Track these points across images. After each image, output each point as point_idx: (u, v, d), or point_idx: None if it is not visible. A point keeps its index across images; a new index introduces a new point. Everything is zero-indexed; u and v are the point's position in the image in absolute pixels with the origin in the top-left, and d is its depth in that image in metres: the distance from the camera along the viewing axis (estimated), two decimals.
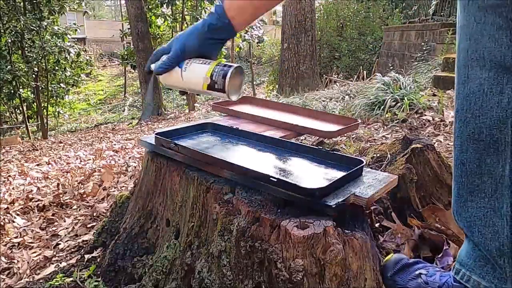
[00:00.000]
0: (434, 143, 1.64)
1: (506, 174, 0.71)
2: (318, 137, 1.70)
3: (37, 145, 7.62)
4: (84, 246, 1.53)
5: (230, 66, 0.87)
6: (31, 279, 1.38)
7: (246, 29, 11.26)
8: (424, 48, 6.21)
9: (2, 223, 1.96)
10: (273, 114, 1.60)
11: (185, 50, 0.89)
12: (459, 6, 0.74)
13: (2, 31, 9.98)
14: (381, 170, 1.20)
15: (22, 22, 9.89)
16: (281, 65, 8.49)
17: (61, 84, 12.50)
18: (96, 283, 1.17)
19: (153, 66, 0.92)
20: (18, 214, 2.12)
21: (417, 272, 0.88)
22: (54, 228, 1.87)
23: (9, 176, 3.62)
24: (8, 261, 1.59)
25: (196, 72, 0.88)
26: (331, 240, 0.75)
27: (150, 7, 11.24)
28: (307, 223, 0.77)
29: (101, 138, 7.64)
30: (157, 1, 10.59)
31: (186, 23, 11.20)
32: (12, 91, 10.59)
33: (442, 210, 1.04)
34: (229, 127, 1.28)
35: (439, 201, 1.13)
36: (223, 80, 0.86)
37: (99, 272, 1.23)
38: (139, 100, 14.52)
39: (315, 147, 1.08)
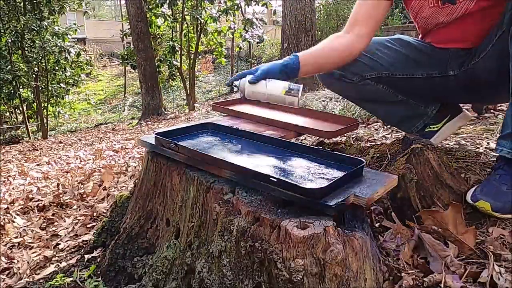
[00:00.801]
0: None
1: None
2: (318, 137, 1.70)
3: (37, 145, 7.62)
4: (84, 246, 1.53)
5: (300, 85, 1.29)
6: (31, 279, 1.38)
7: (246, 29, 11.26)
8: None
9: (2, 223, 1.96)
10: (273, 114, 1.60)
11: (268, 72, 1.29)
12: None
13: (2, 31, 9.98)
14: (381, 170, 1.20)
15: (22, 22, 9.89)
16: None
17: (61, 84, 12.50)
18: (96, 283, 1.17)
19: (236, 82, 1.32)
20: (18, 214, 2.12)
21: None
22: (54, 228, 1.87)
23: (9, 176, 3.62)
24: (8, 261, 1.59)
25: (277, 84, 1.28)
26: (331, 240, 0.75)
27: (150, 7, 11.24)
28: (307, 223, 0.77)
29: (101, 138, 7.64)
30: (157, 1, 10.59)
31: (186, 23, 11.20)
32: (12, 91, 10.59)
33: (440, 212, 1.04)
34: (229, 127, 1.28)
35: (439, 201, 1.13)
36: (298, 90, 1.27)
37: (99, 272, 1.23)
38: (139, 100, 14.52)
39: (315, 147, 1.08)
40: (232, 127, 1.27)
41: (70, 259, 1.45)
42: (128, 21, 10.02)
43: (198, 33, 11.15)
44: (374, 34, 1.38)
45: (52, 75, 11.97)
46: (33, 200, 2.34)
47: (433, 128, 1.58)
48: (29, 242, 1.76)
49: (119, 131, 8.76)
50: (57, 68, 11.86)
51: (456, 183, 1.17)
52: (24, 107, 11.54)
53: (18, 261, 1.57)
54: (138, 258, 1.16)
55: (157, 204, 1.16)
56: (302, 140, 2.05)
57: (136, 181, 1.30)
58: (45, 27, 10.56)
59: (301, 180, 0.92)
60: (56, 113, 13.54)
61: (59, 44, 11.25)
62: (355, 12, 1.38)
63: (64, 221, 1.92)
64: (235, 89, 1.34)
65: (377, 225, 1.08)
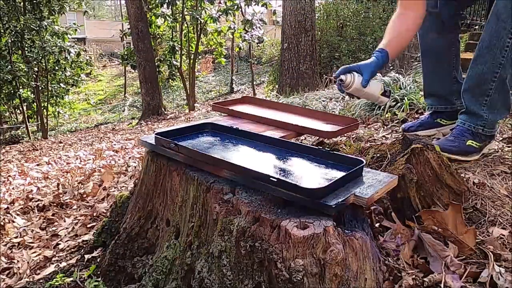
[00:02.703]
0: (434, 142, 1.63)
1: None
2: (318, 137, 1.70)
3: (37, 145, 7.62)
4: (84, 246, 1.53)
5: (389, 87, 1.27)
6: (31, 279, 1.38)
7: (246, 29, 11.26)
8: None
9: (2, 223, 1.96)
10: (273, 114, 1.60)
11: (372, 74, 1.41)
12: None
13: (2, 31, 9.98)
14: (381, 170, 1.20)
15: (22, 22, 9.89)
16: (281, 65, 8.49)
17: (61, 84, 12.50)
18: (96, 283, 1.17)
19: (343, 76, 1.41)
20: (18, 214, 2.12)
21: None
22: (54, 228, 1.87)
23: (9, 176, 3.62)
24: (8, 261, 1.59)
25: (376, 85, 1.44)
26: (331, 240, 0.75)
27: (150, 7, 11.24)
28: (307, 223, 0.77)
29: (101, 138, 7.64)
30: (157, 1, 10.59)
31: (186, 23, 11.20)
32: (12, 91, 10.59)
33: (439, 212, 1.04)
34: (229, 127, 1.28)
35: (439, 201, 1.13)
36: (390, 92, 1.48)
37: (99, 272, 1.23)
38: (139, 100, 14.52)
39: (315, 147, 1.08)
40: (232, 127, 1.27)
41: (70, 259, 1.45)
42: (128, 21, 10.02)
43: (198, 33, 11.15)
44: None
45: (52, 75, 11.97)
46: (33, 200, 2.34)
47: (443, 121, 1.81)
48: (29, 242, 1.76)
49: (119, 131, 8.76)
50: (57, 68, 11.85)
51: (456, 183, 1.17)
52: (24, 107, 11.53)
53: (18, 261, 1.57)
54: (138, 258, 1.16)
55: (157, 204, 1.16)
56: (302, 140, 2.05)
57: (136, 181, 1.30)
58: (45, 27, 10.55)
59: (301, 180, 0.92)
60: (56, 113, 13.54)
61: (59, 44, 11.25)
62: None
63: (64, 221, 1.92)
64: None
65: (377, 225, 1.08)
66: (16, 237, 1.83)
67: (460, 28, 1.83)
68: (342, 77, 1.40)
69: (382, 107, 2.52)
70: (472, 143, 1.46)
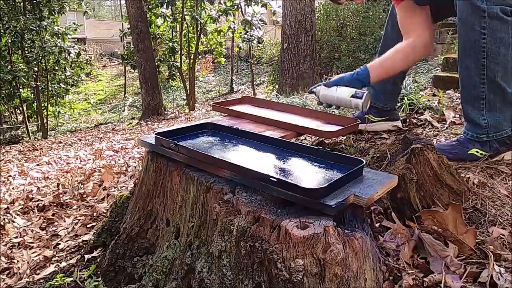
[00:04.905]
0: (434, 143, 1.63)
1: None
2: (318, 137, 1.70)
3: (37, 145, 7.61)
4: (84, 246, 1.53)
5: (365, 91, 1.49)
6: (31, 279, 1.38)
7: (246, 29, 11.26)
8: None
9: (2, 223, 1.96)
10: (273, 114, 1.60)
11: (341, 79, 1.53)
12: None
13: (2, 31, 9.97)
14: (381, 170, 1.21)
15: (22, 22, 9.88)
16: (281, 65, 8.49)
17: (61, 84, 12.49)
18: (96, 283, 1.17)
19: (314, 89, 1.57)
20: (18, 214, 2.12)
21: None
22: (54, 228, 1.87)
23: (9, 176, 3.62)
24: (8, 261, 1.59)
25: (345, 89, 1.49)
26: (331, 240, 0.75)
27: (150, 7, 11.23)
28: (307, 223, 0.77)
29: (101, 138, 7.64)
30: (157, 1, 10.58)
31: (186, 23, 11.19)
32: (12, 91, 10.58)
33: (439, 212, 1.04)
34: (229, 127, 1.28)
35: (439, 201, 1.13)
36: (362, 94, 1.46)
37: (99, 272, 1.23)
38: (139, 100, 14.51)
39: (315, 147, 1.08)
40: (232, 127, 1.27)
41: (70, 259, 1.45)
42: (128, 21, 10.02)
43: (198, 33, 11.15)
44: (431, 23, 1.57)
45: (52, 75, 11.95)
46: (33, 200, 2.34)
47: (371, 118, 1.90)
48: (29, 242, 1.76)
49: (119, 131, 8.76)
50: (57, 68, 11.84)
51: (456, 183, 1.17)
52: (24, 107, 11.52)
53: (18, 261, 1.57)
54: (138, 258, 1.16)
55: (157, 204, 1.16)
56: (302, 140, 2.05)
57: (136, 181, 1.30)
58: (45, 27, 10.54)
59: (301, 180, 0.92)
60: (56, 113, 13.52)
61: (59, 44, 11.24)
62: (404, 22, 1.59)
63: (64, 221, 1.92)
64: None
65: (377, 225, 1.08)
66: (16, 237, 1.83)
67: None
68: (313, 89, 1.57)
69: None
70: (476, 152, 1.43)
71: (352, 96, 1.46)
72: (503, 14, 1.29)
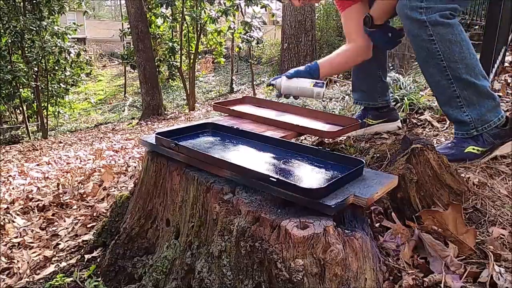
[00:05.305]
0: (434, 143, 1.64)
1: None
2: (318, 137, 1.70)
3: (37, 145, 7.61)
4: (84, 246, 1.53)
5: (323, 81, 1.63)
6: (31, 279, 1.38)
7: (246, 30, 11.26)
8: None
9: (2, 223, 1.96)
10: (274, 114, 1.60)
11: (298, 72, 1.65)
12: None
13: (2, 31, 9.97)
14: (381, 170, 1.21)
15: (22, 22, 9.87)
16: (281, 65, 8.49)
17: (61, 84, 12.49)
18: (96, 283, 1.17)
19: (273, 82, 1.66)
20: (18, 214, 2.12)
21: None
22: (54, 228, 1.87)
23: (9, 176, 3.62)
24: (8, 261, 1.59)
25: (306, 80, 1.61)
26: (331, 240, 0.75)
27: (150, 7, 11.23)
28: (307, 223, 0.77)
29: (101, 138, 7.64)
30: (157, 1, 10.58)
31: (186, 23, 11.19)
32: (12, 91, 10.57)
33: (439, 212, 1.04)
34: (230, 127, 1.28)
35: (439, 201, 1.13)
36: (323, 82, 1.59)
37: (99, 272, 1.23)
38: (139, 100, 14.51)
39: (315, 147, 1.08)
40: (233, 127, 1.27)
41: (70, 259, 1.45)
42: (128, 21, 10.02)
43: (198, 33, 11.15)
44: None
45: (52, 75, 11.95)
46: (33, 200, 2.34)
47: (369, 121, 1.92)
48: (29, 242, 1.76)
49: (119, 131, 8.76)
50: (57, 68, 11.84)
51: (456, 183, 1.17)
52: (24, 107, 11.52)
53: (18, 261, 1.57)
54: (138, 258, 1.16)
55: (157, 204, 1.16)
56: (302, 140, 2.05)
57: (136, 181, 1.30)
58: (45, 27, 10.54)
59: (301, 180, 0.92)
60: (56, 113, 13.52)
61: (59, 44, 11.23)
62: (346, 28, 1.76)
63: (64, 221, 1.92)
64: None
65: (377, 225, 1.08)
66: (16, 237, 1.83)
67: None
68: (272, 82, 1.66)
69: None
70: (473, 149, 1.44)
71: (314, 85, 1.58)
72: (443, 18, 1.35)
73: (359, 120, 1.55)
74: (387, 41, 1.70)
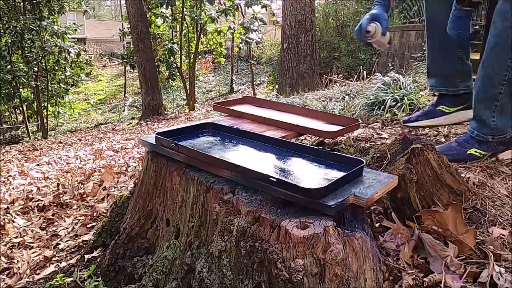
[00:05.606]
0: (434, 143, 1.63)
1: None
2: (318, 137, 1.70)
3: (37, 145, 7.62)
4: (84, 246, 1.53)
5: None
6: (31, 279, 1.38)
7: (245, 31, 11.27)
8: (424, 48, 6.19)
9: (2, 223, 1.96)
10: (273, 114, 1.60)
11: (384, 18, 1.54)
12: None
13: (2, 31, 9.97)
14: (381, 170, 1.20)
15: (22, 22, 9.88)
16: (281, 65, 8.49)
17: (61, 84, 12.50)
18: (96, 283, 1.17)
19: (370, 28, 1.51)
20: (18, 214, 2.12)
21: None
22: (54, 228, 1.87)
23: (9, 176, 3.62)
24: (8, 261, 1.59)
25: (387, 35, 1.53)
26: (331, 240, 0.75)
27: (150, 7, 11.24)
28: (307, 223, 0.77)
29: (101, 138, 7.64)
30: (157, 1, 10.59)
31: (186, 23, 11.20)
32: (12, 91, 10.58)
33: (439, 212, 1.04)
34: (230, 127, 1.28)
35: (439, 201, 1.13)
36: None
37: (99, 272, 1.23)
38: (139, 100, 14.51)
39: (315, 147, 1.08)
40: (233, 127, 1.27)
41: (70, 259, 1.45)
42: (128, 21, 10.02)
43: (198, 33, 11.16)
44: None
45: (52, 75, 11.97)
46: (33, 200, 2.34)
47: (445, 109, 1.72)
48: (29, 242, 1.76)
49: (119, 131, 8.76)
50: (57, 68, 11.85)
51: (456, 183, 1.17)
52: (24, 107, 11.53)
53: (18, 261, 1.57)
54: (138, 258, 1.16)
55: (157, 204, 1.16)
56: (302, 140, 2.05)
57: (136, 181, 1.30)
58: (45, 27, 10.55)
59: (301, 180, 0.92)
60: (56, 113, 13.53)
61: (59, 44, 11.25)
62: None
63: (64, 221, 1.92)
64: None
65: (377, 225, 1.08)
66: (16, 237, 1.83)
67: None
68: (369, 28, 1.50)
69: (383, 107, 2.52)
70: (475, 151, 1.42)
71: (388, 43, 1.55)
72: None
73: (359, 120, 1.54)
74: (470, 32, 1.51)
